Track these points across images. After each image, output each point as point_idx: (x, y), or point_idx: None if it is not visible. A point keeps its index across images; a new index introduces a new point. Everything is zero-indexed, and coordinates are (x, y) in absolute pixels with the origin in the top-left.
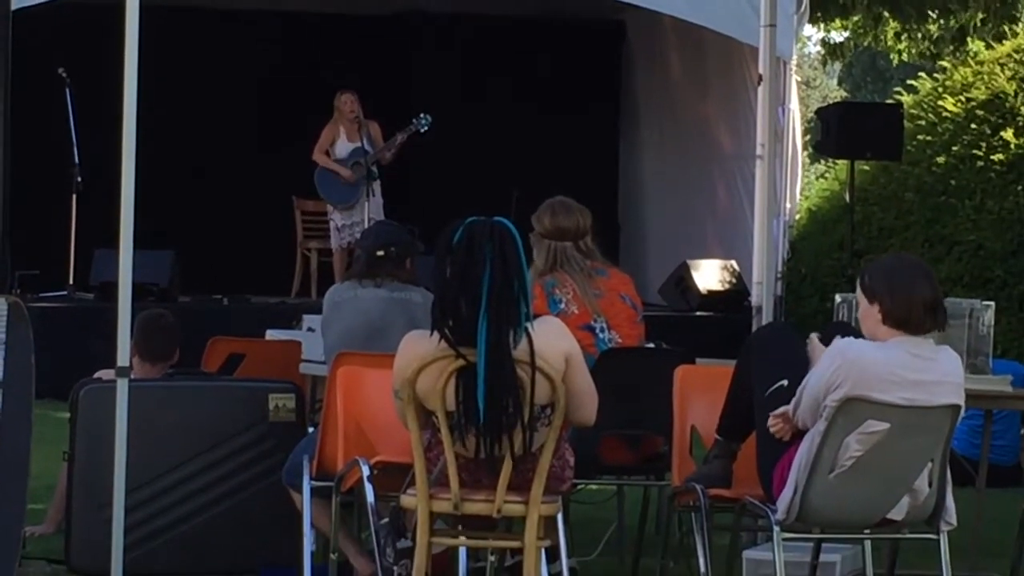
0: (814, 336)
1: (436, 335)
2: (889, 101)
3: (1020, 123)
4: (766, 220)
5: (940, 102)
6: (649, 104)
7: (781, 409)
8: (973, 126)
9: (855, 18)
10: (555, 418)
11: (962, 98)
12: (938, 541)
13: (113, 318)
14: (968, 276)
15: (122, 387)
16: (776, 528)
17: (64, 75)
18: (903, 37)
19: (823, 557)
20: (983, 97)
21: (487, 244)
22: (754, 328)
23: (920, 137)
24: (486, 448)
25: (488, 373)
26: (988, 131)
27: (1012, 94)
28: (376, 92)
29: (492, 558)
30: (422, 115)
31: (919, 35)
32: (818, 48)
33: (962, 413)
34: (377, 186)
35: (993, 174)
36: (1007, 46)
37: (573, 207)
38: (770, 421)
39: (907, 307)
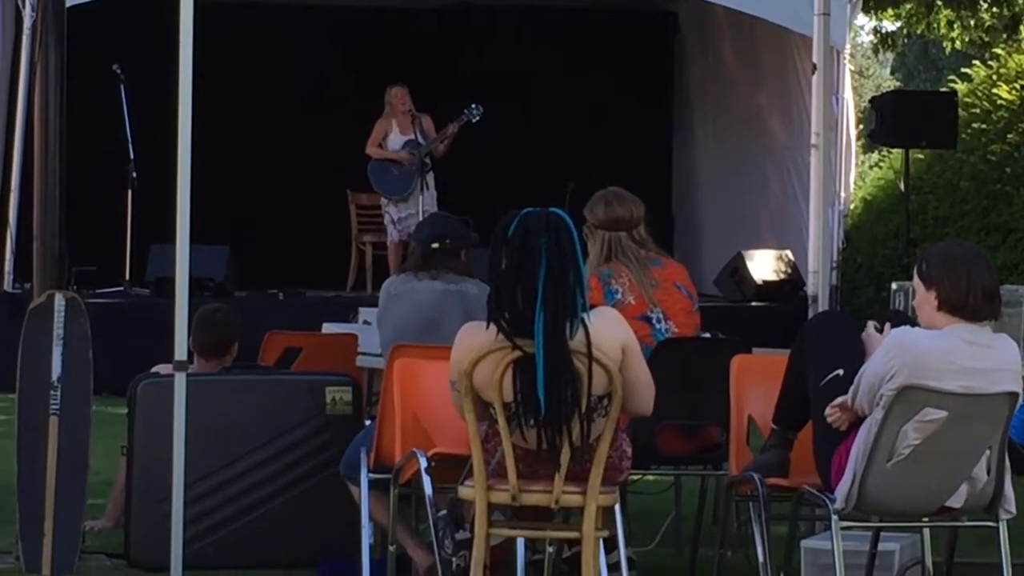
0: (870, 324)
1: (492, 326)
2: (943, 89)
3: None
4: (821, 209)
5: (995, 90)
6: (702, 95)
7: (839, 399)
8: None
9: (908, 6)
10: (612, 409)
11: (1016, 86)
12: (997, 529)
13: (169, 313)
14: None
15: (180, 381)
16: (834, 517)
17: (119, 71)
18: (955, 25)
19: (881, 546)
20: None
21: (542, 235)
22: (809, 317)
23: (975, 125)
24: (546, 439)
25: (546, 364)
26: None
27: None
28: (427, 85)
29: (550, 549)
30: (473, 106)
31: (972, 23)
32: (871, 37)
33: (1020, 401)
34: (431, 179)
35: None
36: None
37: (626, 197)
38: (828, 410)
39: (965, 293)
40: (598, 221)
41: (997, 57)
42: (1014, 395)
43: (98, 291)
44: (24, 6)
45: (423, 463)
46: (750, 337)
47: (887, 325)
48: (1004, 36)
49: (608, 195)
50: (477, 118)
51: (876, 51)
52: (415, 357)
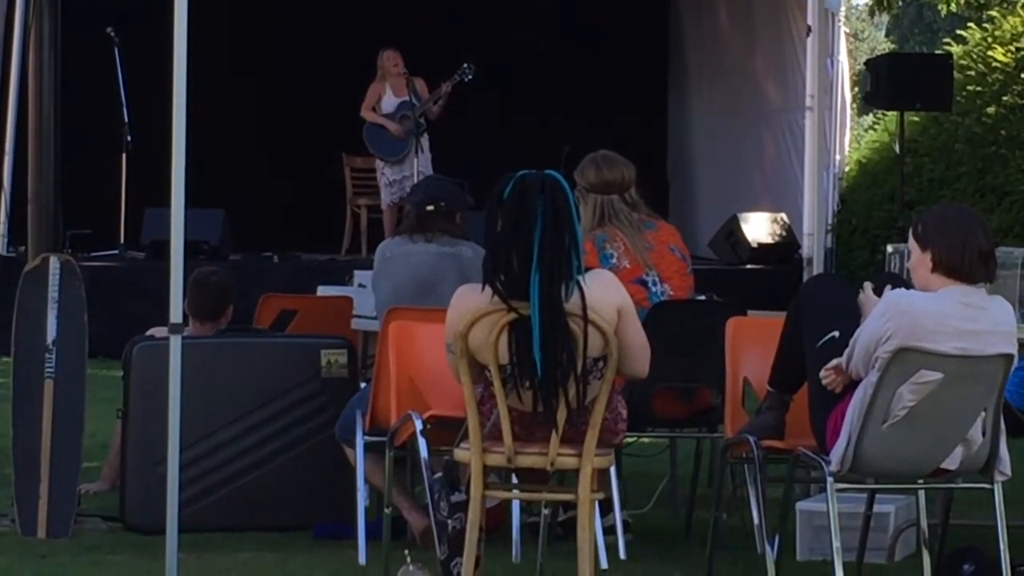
0: (867, 285)
1: (488, 289)
2: (938, 52)
3: None
4: (816, 172)
5: (989, 52)
6: (697, 57)
7: (834, 362)
8: (1023, 76)
9: None
10: (607, 371)
11: (1011, 48)
12: (992, 491)
13: (164, 276)
14: (1019, 226)
15: (175, 344)
16: (830, 479)
17: (113, 34)
18: None
19: (877, 508)
20: None
21: (538, 197)
22: (804, 280)
23: (970, 88)
24: (542, 401)
25: (542, 326)
26: None
27: None
28: (419, 47)
29: (546, 511)
30: (465, 65)
31: None
32: (866, 0)
33: (1015, 363)
34: (426, 141)
35: None
36: None
37: (616, 160)
38: (822, 373)
39: (960, 254)
40: (589, 184)
41: (992, 19)
42: (1009, 357)
43: (93, 254)
44: None
45: (419, 426)
46: (745, 300)
47: (887, 288)
48: None
49: (598, 158)
50: (470, 77)
51: (871, 14)
52: (410, 320)
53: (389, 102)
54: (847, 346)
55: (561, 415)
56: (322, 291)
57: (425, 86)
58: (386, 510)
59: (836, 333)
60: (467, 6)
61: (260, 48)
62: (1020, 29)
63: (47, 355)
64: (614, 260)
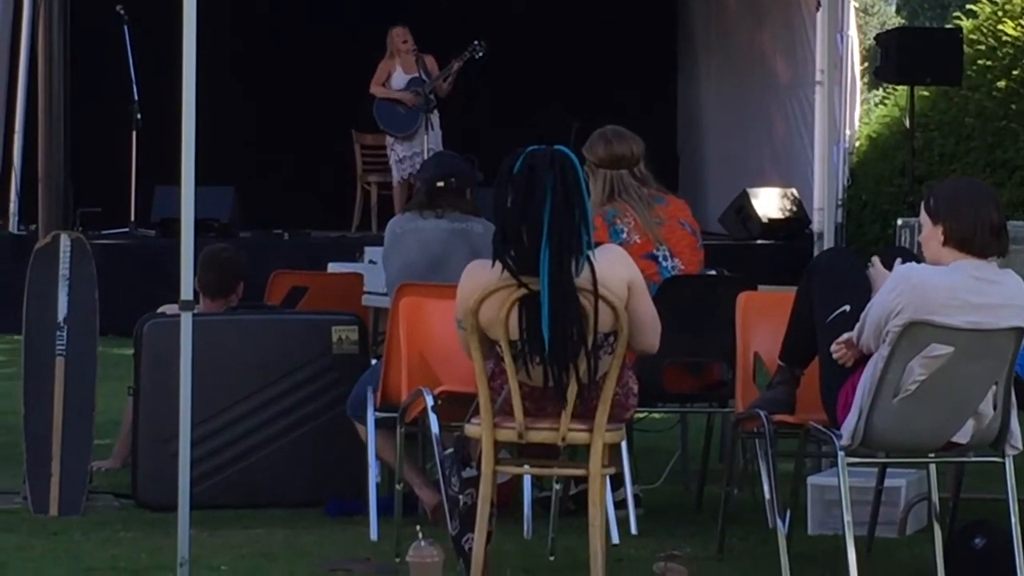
0: (876, 259)
1: (498, 265)
2: (948, 26)
3: None
4: (826, 147)
5: (1000, 26)
6: (706, 33)
7: (844, 336)
8: None
9: None
10: (618, 346)
11: (1022, 22)
12: (1003, 464)
13: (175, 254)
14: None
15: (186, 321)
16: (841, 453)
17: (122, 12)
18: None
19: (888, 482)
20: None
21: (547, 173)
22: (815, 255)
23: (980, 62)
24: (552, 377)
25: (551, 302)
26: None
27: None
28: (429, 24)
29: (557, 486)
30: (476, 42)
31: None
32: None
33: None
34: (436, 118)
35: None
36: None
37: (625, 134)
38: (833, 347)
39: (972, 228)
40: (599, 160)
41: None
42: (1020, 330)
43: (103, 232)
44: None
45: (429, 401)
46: (756, 275)
47: (897, 261)
48: None
49: (607, 133)
50: (480, 54)
51: None
52: (421, 296)
53: (399, 79)
54: (858, 320)
55: (572, 390)
56: (333, 268)
57: (435, 63)
58: (397, 486)
59: (847, 307)
60: None
61: (270, 25)
62: None
63: (58, 333)
64: (624, 235)
